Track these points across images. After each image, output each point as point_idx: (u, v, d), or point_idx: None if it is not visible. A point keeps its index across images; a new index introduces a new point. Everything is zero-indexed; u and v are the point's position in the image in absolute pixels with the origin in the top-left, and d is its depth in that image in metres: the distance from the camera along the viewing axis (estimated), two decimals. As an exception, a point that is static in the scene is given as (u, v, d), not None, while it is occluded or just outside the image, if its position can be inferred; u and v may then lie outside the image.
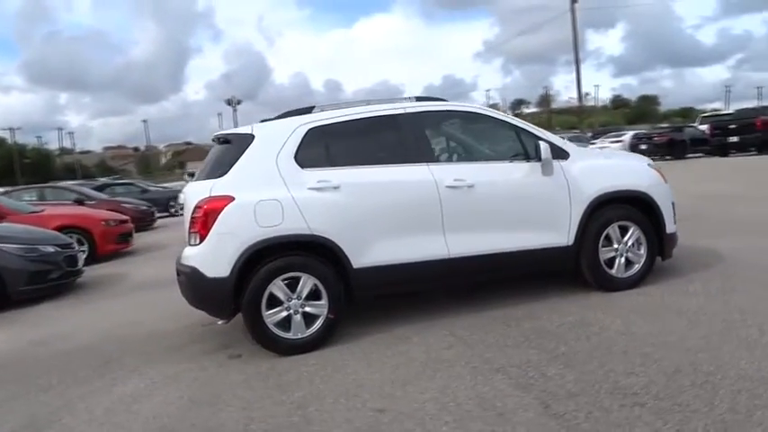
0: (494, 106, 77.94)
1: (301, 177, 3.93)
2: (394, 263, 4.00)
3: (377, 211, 3.98)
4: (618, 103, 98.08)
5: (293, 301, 3.85)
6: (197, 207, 3.84)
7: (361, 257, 3.93)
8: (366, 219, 3.94)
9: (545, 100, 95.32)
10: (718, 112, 32.92)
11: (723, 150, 21.87)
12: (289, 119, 4.17)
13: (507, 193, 4.27)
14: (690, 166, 18.50)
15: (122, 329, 5.03)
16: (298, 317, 3.87)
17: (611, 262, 4.46)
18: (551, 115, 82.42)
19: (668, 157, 22.28)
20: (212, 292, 3.83)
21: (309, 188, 3.89)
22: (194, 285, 3.89)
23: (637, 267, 4.51)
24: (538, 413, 2.65)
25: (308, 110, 4.22)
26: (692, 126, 26.00)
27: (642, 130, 30.86)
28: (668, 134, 23.90)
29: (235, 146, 4.05)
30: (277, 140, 4.00)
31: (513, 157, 4.39)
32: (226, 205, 3.77)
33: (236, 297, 3.78)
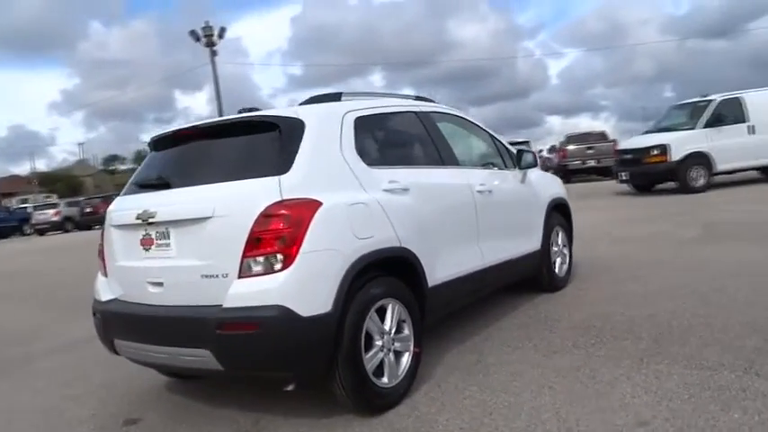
0: (83, 161, 71.67)
1: (372, 176, 3.05)
2: (454, 277, 3.47)
3: (439, 218, 3.39)
4: None
5: (385, 337, 2.91)
6: (266, 217, 2.54)
7: (433, 273, 3.26)
8: (433, 227, 3.31)
9: (141, 156, 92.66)
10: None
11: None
12: (330, 104, 3.20)
13: (510, 199, 4.26)
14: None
15: None
16: (391, 357, 2.93)
17: (554, 263, 4.88)
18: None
19: None
20: (310, 338, 2.55)
21: (384, 190, 3.05)
22: (281, 333, 2.49)
23: (565, 267, 5.05)
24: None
25: (337, 96, 3.32)
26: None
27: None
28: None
29: (276, 134, 2.85)
30: (332, 128, 3.00)
31: (501, 164, 4.39)
32: (316, 211, 2.62)
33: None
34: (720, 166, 12.35)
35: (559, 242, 4.96)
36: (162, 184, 2.94)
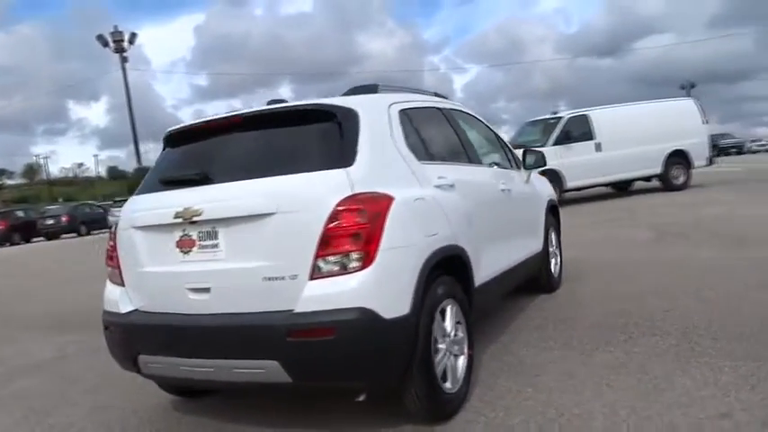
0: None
1: (423, 171, 2.88)
2: (491, 277, 3.38)
3: (479, 216, 3.28)
4: (114, 174, 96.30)
5: (447, 340, 2.76)
6: (341, 212, 2.31)
7: (478, 272, 3.16)
8: (475, 225, 3.20)
9: (32, 170, 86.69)
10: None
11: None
12: (374, 95, 3.00)
13: (522, 199, 4.24)
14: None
15: None
16: (452, 360, 2.79)
17: (550, 263, 4.92)
18: (50, 187, 75.76)
19: None
20: (391, 343, 2.34)
21: (435, 186, 2.90)
22: (362, 338, 2.26)
23: (557, 267, 5.12)
24: None
25: (374, 88, 3.13)
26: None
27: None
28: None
29: (333, 124, 2.62)
30: (383, 120, 2.81)
31: (507, 164, 4.36)
32: (390, 206, 2.43)
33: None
34: (570, 182, 12.80)
35: (553, 243, 5.02)
36: (200, 180, 2.62)
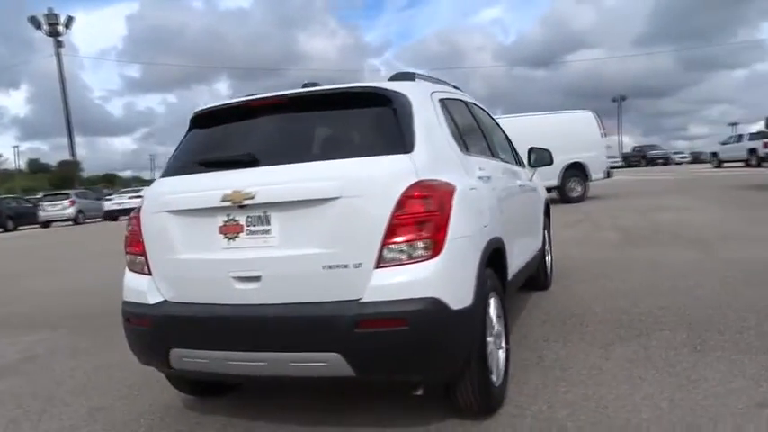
0: None
1: (467, 161, 2.84)
2: (516, 271, 3.39)
3: (508, 210, 3.27)
4: (36, 167, 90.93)
5: (492, 332, 2.71)
6: (409, 198, 2.22)
7: (511, 266, 3.14)
8: (507, 220, 3.18)
9: None
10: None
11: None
12: (416, 83, 2.91)
13: (530, 196, 4.26)
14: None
15: None
16: (496, 353, 2.75)
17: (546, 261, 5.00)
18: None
19: None
20: (458, 334, 2.28)
21: (478, 177, 2.86)
22: (431, 329, 2.17)
23: (550, 266, 5.20)
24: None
25: (411, 76, 3.04)
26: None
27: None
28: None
29: (387, 108, 2.51)
30: (429, 107, 2.73)
31: (514, 161, 4.37)
32: (454, 194, 2.36)
33: None
34: None
35: (548, 241, 5.09)
36: (249, 162, 2.46)
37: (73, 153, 27.98)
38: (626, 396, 2.74)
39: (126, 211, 25.93)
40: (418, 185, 2.25)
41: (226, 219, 2.41)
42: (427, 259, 2.21)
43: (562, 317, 4.15)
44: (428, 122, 2.62)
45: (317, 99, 2.59)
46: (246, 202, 2.33)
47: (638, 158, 52.91)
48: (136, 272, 2.67)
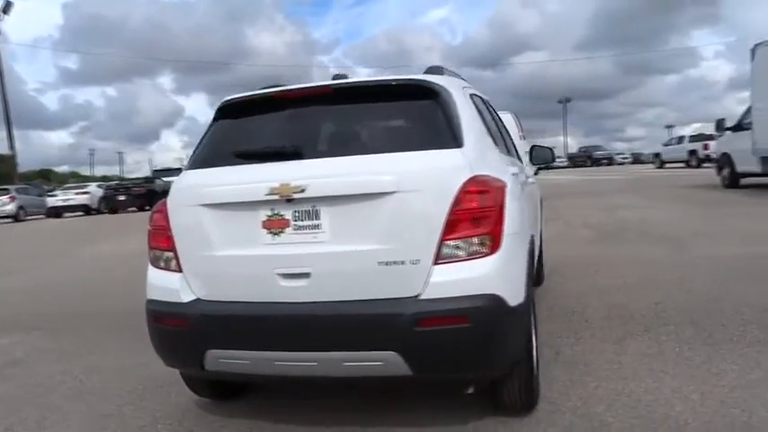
0: None
1: (502, 158, 2.82)
2: (537, 266, 3.39)
3: (528, 208, 3.26)
4: None
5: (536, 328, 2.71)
6: (467, 194, 2.17)
7: (535, 261, 3.15)
8: (529, 214, 3.18)
9: None
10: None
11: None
12: (448, 77, 2.85)
13: (533, 193, 4.28)
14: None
15: None
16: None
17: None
18: None
19: (147, 207, 23.01)
20: (514, 331, 2.26)
21: (511, 174, 2.84)
22: (492, 326, 2.14)
23: (543, 261, 5.27)
24: None
25: (440, 70, 2.98)
26: (161, 179, 26.89)
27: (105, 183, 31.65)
28: (144, 185, 24.29)
29: (433, 101, 2.45)
30: (467, 103, 2.69)
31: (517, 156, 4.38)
32: (506, 190, 2.32)
33: None
34: None
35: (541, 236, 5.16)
36: (292, 154, 2.35)
37: (12, 146, 26.43)
38: (655, 390, 2.78)
39: (72, 208, 24.84)
40: (474, 181, 2.21)
41: (270, 213, 2.29)
42: (486, 255, 2.17)
43: (565, 312, 4.20)
44: (470, 117, 2.58)
45: (362, 91, 2.52)
46: (296, 196, 2.22)
47: (583, 159, 54.72)
48: (162, 269, 2.52)
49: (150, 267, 2.59)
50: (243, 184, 2.33)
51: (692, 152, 28.69)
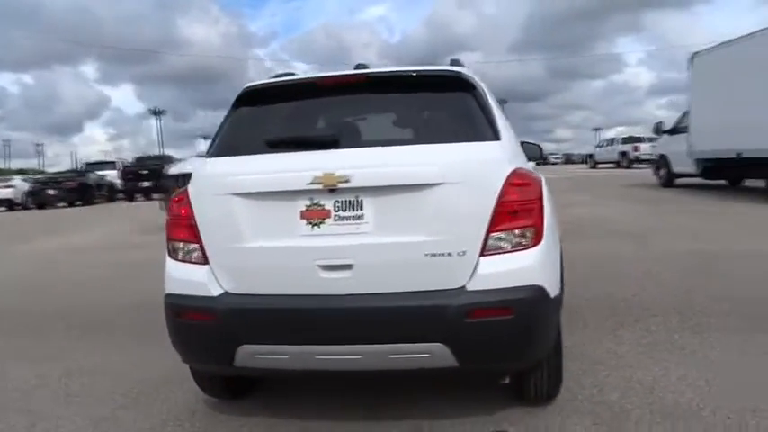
0: None
1: (522, 152, 2.84)
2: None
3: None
4: None
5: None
6: (512, 186, 2.18)
7: None
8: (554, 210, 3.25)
9: None
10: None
11: (132, 195, 22.99)
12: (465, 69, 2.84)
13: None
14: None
15: None
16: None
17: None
18: None
19: (78, 203, 22.01)
20: (554, 321, 2.30)
21: (533, 167, 2.88)
22: (535, 317, 2.16)
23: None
24: None
25: (460, 63, 2.89)
26: (94, 172, 25.43)
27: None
28: (76, 179, 23.04)
29: (467, 94, 2.44)
30: (491, 95, 2.70)
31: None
32: (542, 184, 2.35)
33: None
34: None
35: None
36: (329, 143, 2.28)
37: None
38: (662, 378, 2.90)
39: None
40: (516, 174, 2.22)
41: (309, 203, 2.21)
42: (530, 247, 2.19)
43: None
44: (499, 111, 2.60)
45: (396, 80, 2.47)
46: (340, 186, 2.15)
47: (521, 159, 56.35)
48: (184, 261, 2.38)
49: (168, 259, 2.44)
50: (282, 173, 2.23)
51: (623, 153, 30.17)
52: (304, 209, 2.22)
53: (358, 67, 2.70)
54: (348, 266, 2.17)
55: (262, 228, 2.26)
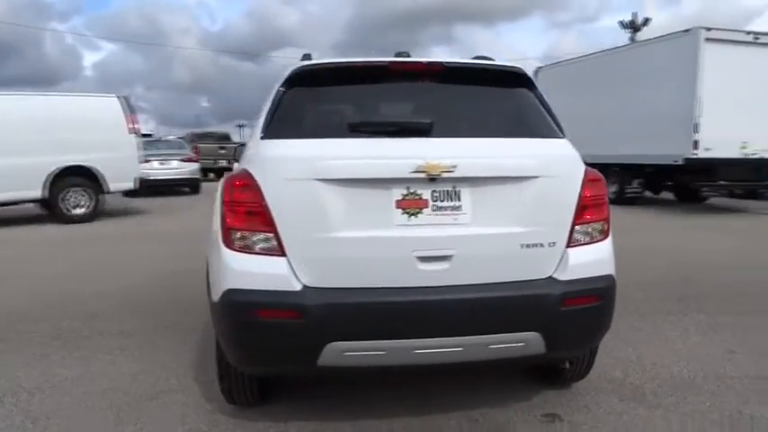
0: None
1: None
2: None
3: None
4: None
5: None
6: (590, 181, 2.31)
7: None
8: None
9: None
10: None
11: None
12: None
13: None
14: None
15: None
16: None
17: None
18: None
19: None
20: (613, 308, 2.43)
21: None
22: (612, 304, 2.35)
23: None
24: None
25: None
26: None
27: None
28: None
29: (531, 91, 2.54)
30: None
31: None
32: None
33: None
34: None
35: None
36: (424, 131, 2.22)
37: None
38: (680, 360, 3.17)
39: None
40: (589, 170, 2.35)
41: (405, 192, 2.13)
42: (603, 239, 2.35)
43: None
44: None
45: (469, 72, 2.48)
46: (445, 175, 2.12)
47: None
48: (251, 252, 2.14)
49: (226, 251, 2.16)
50: (379, 160, 2.13)
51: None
52: (400, 198, 2.13)
53: (399, 54, 2.62)
54: (447, 258, 2.12)
55: (352, 217, 2.11)
